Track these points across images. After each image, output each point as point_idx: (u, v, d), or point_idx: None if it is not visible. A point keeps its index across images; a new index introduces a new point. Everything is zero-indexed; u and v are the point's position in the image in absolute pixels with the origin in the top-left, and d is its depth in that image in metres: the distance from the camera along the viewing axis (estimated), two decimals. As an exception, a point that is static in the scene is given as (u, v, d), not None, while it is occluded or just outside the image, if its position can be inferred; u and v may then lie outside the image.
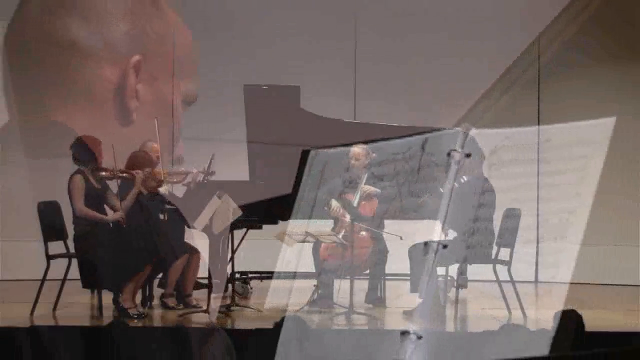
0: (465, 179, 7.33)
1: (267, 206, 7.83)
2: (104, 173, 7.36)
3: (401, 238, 7.26)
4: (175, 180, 7.73)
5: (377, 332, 6.33)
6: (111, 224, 7.31)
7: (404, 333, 7.93)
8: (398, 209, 7.50)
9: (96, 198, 7.37)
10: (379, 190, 7.57)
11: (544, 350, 3.95)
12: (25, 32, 9.13)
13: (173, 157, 8.15)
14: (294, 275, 8.13)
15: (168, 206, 7.73)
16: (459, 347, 4.15)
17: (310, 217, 7.66)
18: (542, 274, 9.91)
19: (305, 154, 7.48)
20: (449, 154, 7.16)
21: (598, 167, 8.25)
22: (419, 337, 8.15)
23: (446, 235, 7.41)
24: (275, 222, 7.98)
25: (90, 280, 7.33)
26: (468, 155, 7.35)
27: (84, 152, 7.40)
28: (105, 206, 7.44)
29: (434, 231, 7.65)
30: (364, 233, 7.45)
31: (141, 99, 9.21)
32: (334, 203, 7.57)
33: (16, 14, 9.28)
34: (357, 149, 7.64)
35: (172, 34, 9.27)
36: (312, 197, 7.68)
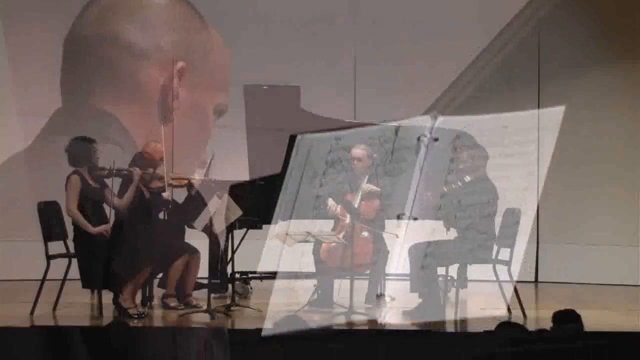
0: (469, 179, 7.36)
1: (267, 206, 7.82)
2: (100, 172, 7.37)
3: (397, 236, 7.27)
4: (176, 184, 7.72)
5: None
6: (111, 225, 7.31)
7: (380, 295, 7.92)
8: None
9: (94, 197, 7.37)
10: (379, 189, 7.56)
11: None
12: (86, 31, 9.96)
13: (200, 160, 8.38)
14: (294, 275, 8.15)
15: (169, 207, 7.73)
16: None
17: (304, 218, 7.67)
18: (542, 274, 9.92)
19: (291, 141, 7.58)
20: (418, 139, 7.28)
21: (549, 151, 8.41)
22: (393, 299, 8.17)
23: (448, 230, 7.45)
24: (275, 222, 7.96)
25: (90, 280, 7.34)
26: (436, 140, 7.45)
27: (80, 153, 7.40)
28: (105, 205, 7.45)
29: (433, 231, 7.69)
30: (365, 234, 7.44)
31: (180, 102, 9.81)
32: (331, 202, 7.57)
33: (78, 16, 9.97)
34: (358, 150, 7.63)
35: (213, 49, 10.07)
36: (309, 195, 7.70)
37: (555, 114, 9.99)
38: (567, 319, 4.78)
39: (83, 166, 7.38)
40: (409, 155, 7.39)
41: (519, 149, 9.51)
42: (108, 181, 7.41)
